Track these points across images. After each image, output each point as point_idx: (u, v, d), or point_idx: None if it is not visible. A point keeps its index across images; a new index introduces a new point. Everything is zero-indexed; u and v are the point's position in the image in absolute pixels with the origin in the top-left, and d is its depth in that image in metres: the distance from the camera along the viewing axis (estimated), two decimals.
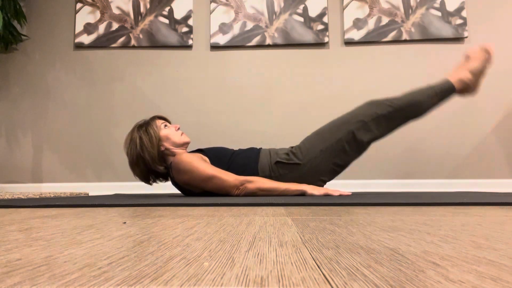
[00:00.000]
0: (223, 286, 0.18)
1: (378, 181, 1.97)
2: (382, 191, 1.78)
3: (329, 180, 1.35)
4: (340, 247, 0.29)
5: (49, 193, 1.60)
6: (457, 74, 1.29)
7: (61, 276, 0.20)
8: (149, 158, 1.27)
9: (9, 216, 0.60)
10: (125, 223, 0.47)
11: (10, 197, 1.33)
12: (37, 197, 1.45)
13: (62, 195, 1.65)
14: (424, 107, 1.27)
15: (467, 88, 1.29)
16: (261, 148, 1.39)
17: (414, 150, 2.00)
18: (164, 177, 1.39)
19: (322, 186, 1.34)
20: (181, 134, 1.35)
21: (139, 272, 0.21)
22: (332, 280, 0.19)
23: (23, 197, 1.36)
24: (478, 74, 1.28)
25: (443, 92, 1.27)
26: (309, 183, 1.27)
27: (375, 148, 2.01)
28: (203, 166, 1.22)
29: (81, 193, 1.86)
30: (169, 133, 1.32)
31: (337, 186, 1.97)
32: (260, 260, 0.24)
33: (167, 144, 1.31)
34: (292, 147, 1.35)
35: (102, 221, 0.49)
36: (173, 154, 1.32)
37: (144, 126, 1.31)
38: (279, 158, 1.30)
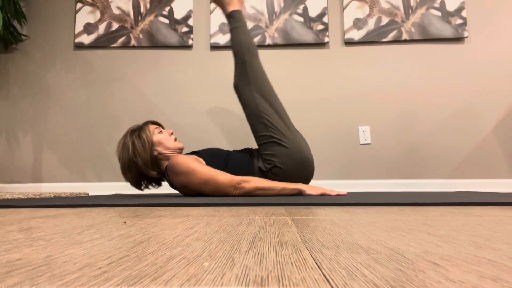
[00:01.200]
0: (223, 286, 0.18)
1: (378, 181, 1.97)
2: (382, 191, 1.78)
3: (306, 146, 1.35)
4: (340, 247, 0.29)
5: (49, 193, 1.60)
6: (227, 4, 1.44)
7: (61, 276, 0.20)
8: (141, 162, 1.26)
9: (9, 216, 0.60)
10: (125, 223, 0.47)
11: (10, 197, 1.33)
12: (37, 197, 1.45)
13: (62, 195, 1.65)
14: (249, 37, 1.40)
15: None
16: (257, 149, 1.39)
17: (414, 150, 2.00)
18: (156, 182, 1.39)
19: (311, 167, 1.34)
20: (175, 140, 1.34)
21: (139, 272, 0.21)
22: (332, 280, 0.19)
23: (23, 197, 1.36)
24: None
25: (239, 20, 1.41)
26: (300, 172, 1.28)
27: (375, 148, 2.01)
28: (200, 167, 1.21)
29: (81, 193, 1.86)
30: (162, 138, 1.31)
31: (337, 185, 1.97)
32: (260, 260, 0.24)
33: (160, 149, 1.30)
34: (263, 156, 1.34)
35: (102, 221, 0.49)
36: (167, 158, 1.31)
37: (137, 131, 1.30)
38: (260, 165, 1.31)
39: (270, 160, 1.28)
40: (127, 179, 1.32)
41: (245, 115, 1.38)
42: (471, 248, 0.28)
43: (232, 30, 1.40)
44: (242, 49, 1.36)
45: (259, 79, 1.35)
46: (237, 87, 1.37)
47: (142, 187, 1.37)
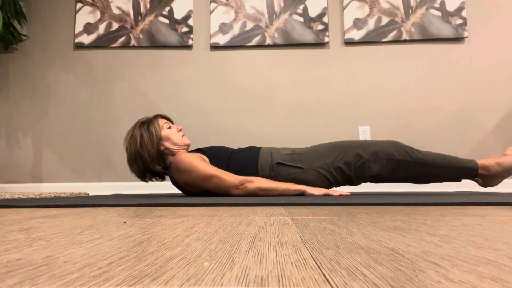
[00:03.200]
0: (223, 286, 0.18)
1: None
2: (382, 191, 1.78)
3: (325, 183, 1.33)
4: (340, 247, 0.29)
5: (49, 193, 1.60)
6: (486, 160, 1.27)
7: (61, 276, 0.20)
8: (147, 156, 1.27)
9: (9, 216, 0.60)
10: (125, 223, 0.47)
11: (10, 197, 1.33)
12: (37, 197, 1.45)
13: (62, 195, 1.65)
14: (440, 173, 1.24)
15: (489, 177, 1.26)
16: (261, 147, 1.39)
17: None
18: (160, 176, 1.39)
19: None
20: (182, 136, 1.35)
21: (139, 272, 0.21)
22: (332, 280, 0.19)
23: (23, 197, 1.36)
24: (505, 169, 1.25)
25: (465, 169, 1.23)
26: (308, 184, 1.27)
27: None
28: (203, 165, 1.22)
29: (81, 193, 1.86)
30: (171, 133, 1.32)
31: None
32: (260, 260, 0.24)
33: (167, 144, 1.30)
34: (295, 149, 1.34)
35: (102, 221, 0.49)
36: (173, 154, 1.31)
37: (146, 124, 1.31)
38: (281, 159, 1.29)
39: (304, 162, 1.27)
40: (132, 170, 1.33)
41: (367, 140, 1.30)
42: (471, 248, 0.28)
43: (459, 161, 1.24)
44: (431, 167, 1.22)
45: (395, 172, 1.24)
46: (397, 145, 1.26)
47: (146, 179, 1.37)
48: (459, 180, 1.26)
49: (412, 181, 1.28)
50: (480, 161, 1.25)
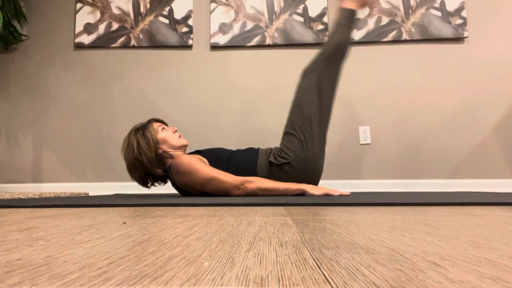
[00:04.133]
0: (223, 286, 0.18)
1: (378, 181, 1.97)
2: (382, 191, 1.78)
3: (322, 158, 1.35)
4: (340, 247, 0.29)
5: (49, 193, 1.60)
6: (344, 2, 1.39)
7: (61, 276, 0.20)
8: (147, 161, 1.26)
9: (9, 216, 0.60)
10: (125, 223, 0.47)
11: (10, 197, 1.33)
12: (37, 197, 1.45)
13: (62, 195, 1.65)
14: (346, 42, 1.35)
15: (363, 2, 1.39)
16: (259, 148, 1.39)
17: (414, 150, 2.00)
18: (162, 180, 1.39)
19: (319, 176, 1.35)
20: (179, 137, 1.35)
21: (139, 272, 0.21)
22: (332, 280, 0.19)
23: (23, 197, 1.36)
24: None
25: (349, 20, 1.36)
26: (306, 177, 1.28)
27: (375, 148, 2.01)
28: (203, 167, 1.22)
29: (81, 193, 1.86)
30: (167, 136, 1.31)
31: (337, 185, 1.97)
32: (260, 260, 0.24)
33: (164, 147, 1.30)
34: (278, 148, 1.35)
35: (102, 221, 0.49)
36: (172, 157, 1.31)
37: (141, 130, 1.30)
38: (271, 158, 1.31)
39: (286, 155, 1.29)
40: (133, 177, 1.32)
41: (293, 101, 1.36)
42: (471, 248, 0.28)
43: (339, 24, 1.36)
44: (335, 46, 1.33)
45: (328, 81, 1.33)
46: (305, 74, 1.36)
47: (149, 184, 1.37)
48: (354, 24, 1.39)
49: (344, 60, 1.37)
50: (345, 3, 1.38)
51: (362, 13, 2.10)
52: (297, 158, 1.28)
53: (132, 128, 1.34)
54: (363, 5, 1.39)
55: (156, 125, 1.33)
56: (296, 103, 1.34)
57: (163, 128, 1.34)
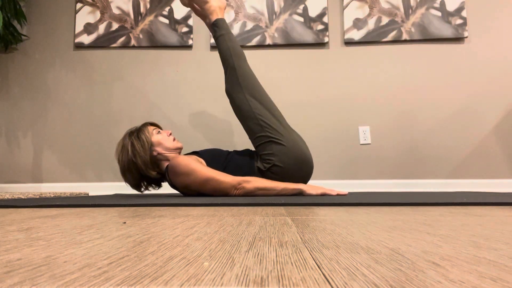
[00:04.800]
0: (223, 286, 0.18)
1: (378, 181, 1.97)
2: (382, 191, 1.78)
3: (300, 141, 1.36)
4: (340, 247, 0.29)
5: (49, 193, 1.60)
6: (209, 14, 1.45)
7: (61, 276, 0.20)
8: (141, 163, 1.27)
9: (9, 216, 0.60)
10: (125, 223, 0.47)
11: (10, 197, 1.33)
12: (37, 197, 1.45)
13: (62, 195, 1.65)
14: (234, 44, 1.40)
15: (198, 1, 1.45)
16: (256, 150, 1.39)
17: (414, 150, 2.00)
18: (156, 183, 1.39)
19: (310, 163, 1.34)
20: (173, 140, 1.35)
21: (139, 272, 0.21)
22: (332, 280, 0.19)
23: (23, 197, 1.36)
24: None
25: (221, 27, 1.42)
26: (299, 170, 1.29)
27: (375, 148, 2.01)
28: (200, 168, 1.22)
29: (81, 193, 1.86)
30: (161, 138, 1.32)
31: (337, 185, 1.97)
32: (260, 260, 0.24)
33: (159, 149, 1.30)
34: (261, 156, 1.35)
35: (102, 221, 0.49)
36: (166, 159, 1.32)
37: (136, 132, 1.31)
38: (259, 164, 1.31)
39: (269, 159, 1.28)
40: (127, 180, 1.32)
41: (239, 119, 1.39)
42: (471, 248, 0.28)
43: (218, 39, 1.41)
44: (230, 54, 1.37)
45: (249, 82, 1.36)
46: (229, 93, 1.39)
47: (142, 188, 1.37)
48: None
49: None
50: (211, 18, 1.45)
51: (362, 13, 2.10)
52: (279, 155, 1.28)
53: (126, 132, 1.34)
54: (224, 9, 1.47)
55: (150, 128, 1.34)
56: (242, 118, 1.37)
57: (158, 131, 1.34)
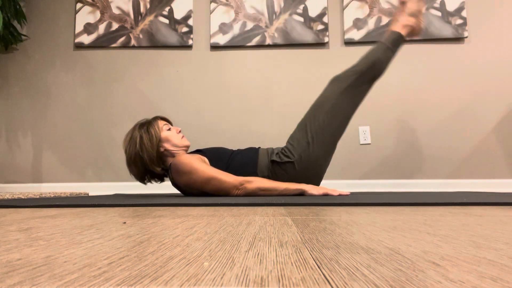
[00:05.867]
0: (223, 286, 0.18)
1: (378, 181, 1.97)
2: (382, 191, 1.78)
3: (326, 164, 1.34)
4: (340, 247, 0.29)
5: (49, 193, 1.60)
6: (399, 22, 1.34)
7: (61, 276, 0.20)
8: (147, 158, 1.27)
9: (9, 216, 0.59)
10: (125, 223, 0.47)
11: (10, 197, 1.33)
12: (37, 197, 1.45)
13: (62, 195, 1.65)
14: (383, 63, 1.32)
15: (413, 30, 1.36)
16: (260, 147, 1.39)
17: (414, 150, 2.00)
18: (159, 178, 1.39)
19: (320, 179, 1.35)
20: (182, 137, 1.35)
21: (139, 272, 0.21)
22: (332, 280, 0.19)
23: (23, 197, 1.36)
24: (417, 14, 1.35)
25: (394, 43, 1.32)
26: (307, 179, 1.28)
27: (375, 148, 2.01)
28: (203, 167, 1.22)
29: (81, 193, 1.86)
30: (170, 135, 1.32)
31: (337, 185, 1.97)
32: (260, 260, 0.24)
33: (166, 146, 1.30)
34: (283, 147, 1.35)
35: (102, 221, 0.49)
36: (172, 155, 1.32)
37: (146, 125, 1.31)
38: (274, 157, 1.30)
39: (291, 154, 1.28)
40: (131, 172, 1.32)
41: (314, 102, 1.34)
42: (471, 248, 0.28)
43: (382, 44, 1.32)
44: (371, 63, 1.30)
45: (353, 94, 1.31)
46: (333, 81, 1.34)
47: (145, 181, 1.37)
48: (397, 50, 1.35)
49: (372, 84, 1.34)
50: (397, 27, 1.34)
51: (362, 13, 2.10)
52: (300, 159, 1.28)
53: (136, 123, 1.34)
54: (412, 33, 1.35)
55: (161, 123, 1.34)
56: (316, 105, 1.32)
57: (168, 127, 1.35)
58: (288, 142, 1.34)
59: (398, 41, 1.33)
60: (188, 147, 1.37)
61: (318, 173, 1.31)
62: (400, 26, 1.34)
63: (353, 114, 1.33)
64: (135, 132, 1.30)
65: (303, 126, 1.32)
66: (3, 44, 2.15)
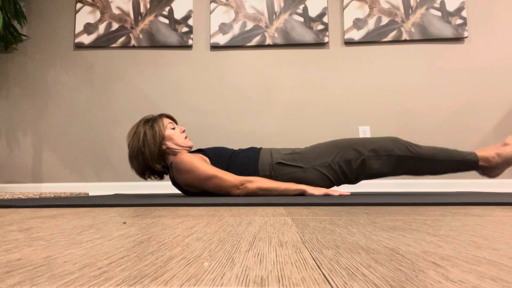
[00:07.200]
0: (223, 286, 0.18)
1: (378, 181, 1.97)
2: (382, 191, 1.78)
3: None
4: (340, 247, 0.29)
5: (49, 193, 1.60)
6: (485, 151, 1.25)
7: (61, 276, 0.20)
8: (149, 154, 1.28)
9: (9, 216, 0.59)
10: (125, 223, 0.47)
11: (10, 197, 1.33)
12: (37, 197, 1.45)
13: (62, 195, 1.65)
14: (441, 167, 1.23)
15: (489, 168, 1.25)
16: (261, 147, 1.39)
17: None
18: (159, 175, 1.40)
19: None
20: (185, 137, 1.36)
21: (139, 272, 0.21)
22: (332, 280, 0.19)
23: (23, 197, 1.36)
24: (506, 160, 1.23)
25: (465, 161, 1.22)
26: (312, 183, 1.28)
27: None
28: (204, 166, 1.22)
29: (81, 193, 1.86)
30: (174, 134, 1.33)
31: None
32: (260, 260, 0.24)
33: (169, 144, 1.31)
34: (295, 149, 1.34)
35: (102, 221, 0.49)
36: (174, 154, 1.32)
37: (151, 122, 1.32)
38: (281, 159, 1.30)
39: (301, 163, 1.27)
40: (132, 166, 1.33)
41: (362, 138, 1.30)
42: (471, 248, 0.28)
43: (457, 154, 1.23)
44: (431, 159, 1.22)
45: (392, 164, 1.24)
46: (395, 140, 1.26)
47: (146, 176, 1.38)
48: (462, 170, 1.24)
49: (412, 174, 1.28)
50: (480, 153, 1.23)
51: (362, 13, 2.10)
52: (310, 169, 1.27)
53: (142, 118, 1.35)
54: (485, 169, 1.25)
55: (166, 120, 1.35)
56: (360, 142, 1.27)
57: (173, 126, 1.35)
58: (309, 148, 1.31)
59: (469, 163, 1.22)
60: (190, 147, 1.37)
61: (318, 185, 1.31)
62: (483, 154, 1.23)
63: (373, 178, 1.28)
64: (139, 128, 1.31)
65: (334, 147, 1.28)
66: (3, 44, 2.15)
